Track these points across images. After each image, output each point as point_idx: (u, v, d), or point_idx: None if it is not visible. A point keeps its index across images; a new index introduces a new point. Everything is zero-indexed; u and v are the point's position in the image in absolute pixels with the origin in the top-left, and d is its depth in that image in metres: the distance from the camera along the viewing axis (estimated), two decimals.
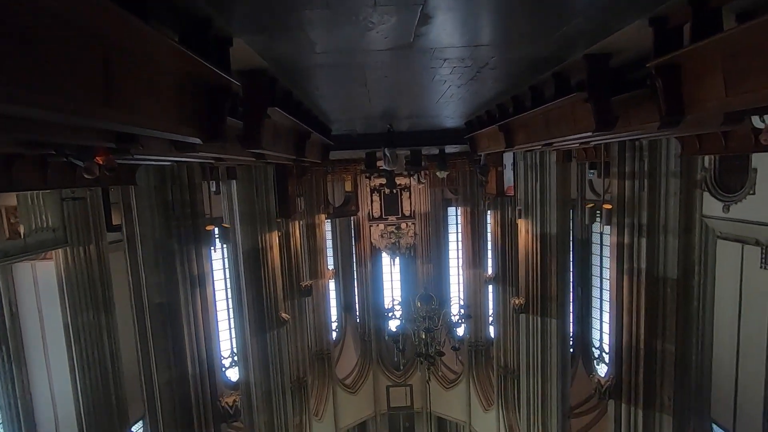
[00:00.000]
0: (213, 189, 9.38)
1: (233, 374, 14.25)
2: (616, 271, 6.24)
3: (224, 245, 11.21)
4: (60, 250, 9.40)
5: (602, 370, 16.22)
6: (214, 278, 14.61)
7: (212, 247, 6.94)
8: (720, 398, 10.19)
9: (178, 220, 5.63)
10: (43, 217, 9.07)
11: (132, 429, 10.42)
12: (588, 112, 3.59)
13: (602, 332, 16.58)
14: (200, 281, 5.92)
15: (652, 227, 5.71)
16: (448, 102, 6.05)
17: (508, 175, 11.53)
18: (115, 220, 6.98)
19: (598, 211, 6.57)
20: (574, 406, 12.70)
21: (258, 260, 9.50)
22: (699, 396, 9.81)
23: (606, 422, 14.03)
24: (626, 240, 6.04)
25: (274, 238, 10.05)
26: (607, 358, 16.09)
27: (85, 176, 2.82)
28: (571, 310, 12.15)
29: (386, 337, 18.29)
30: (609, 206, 6.00)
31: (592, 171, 11.56)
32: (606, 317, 16.08)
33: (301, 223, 13.80)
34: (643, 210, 5.78)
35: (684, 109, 2.51)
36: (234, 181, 9.13)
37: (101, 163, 2.86)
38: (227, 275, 13.43)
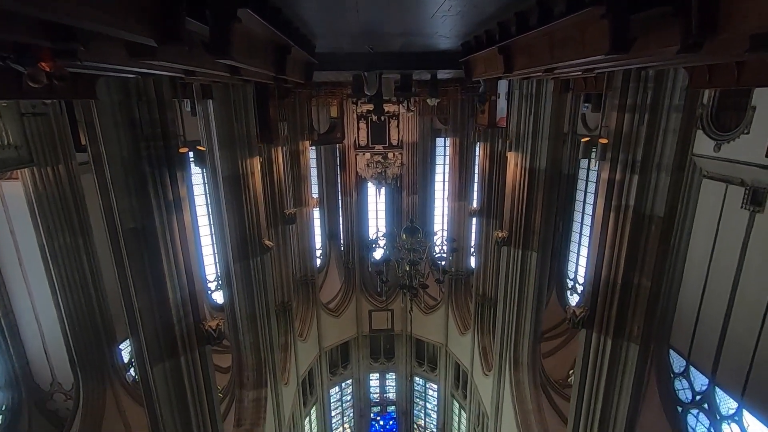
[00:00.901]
0: (188, 109, 8.77)
1: (220, 297, 14.56)
2: (603, 207, 6.18)
3: (203, 170, 10.79)
4: (27, 170, 8.91)
5: (574, 300, 17.14)
6: (196, 202, 14.38)
7: (188, 172, 6.57)
8: (680, 327, 10.93)
9: (148, 141, 5.21)
10: (3, 134, 8.43)
11: (120, 347, 10.79)
12: (600, 32, 3.21)
13: (578, 265, 17.26)
14: (176, 206, 5.65)
15: (646, 164, 5.56)
16: (445, 17, 5.47)
17: (502, 105, 11.06)
18: (84, 140, 6.50)
19: (594, 148, 6.35)
20: (545, 331, 13.51)
21: (239, 186, 9.18)
22: (662, 325, 10.44)
23: (572, 346, 15.12)
24: (618, 176, 5.91)
25: (256, 164, 9.65)
26: (579, 289, 16.92)
27: (30, 84, 2.44)
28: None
29: (369, 269, 18.71)
30: (605, 141, 5.77)
31: (586, 104, 11.13)
32: (583, 251, 16.64)
33: (284, 149, 13.29)
34: (639, 146, 5.58)
35: (717, 26, 2.19)
36: (210, 101, 8.50)
37: (48, 70, 2.49)
38: (209, 200, 13.16)
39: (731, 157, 8.60)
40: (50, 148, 8.95)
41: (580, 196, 16.61)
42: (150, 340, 5.80)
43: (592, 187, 15.81)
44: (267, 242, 10.27)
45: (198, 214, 14.66)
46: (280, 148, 12.45)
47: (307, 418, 17.00)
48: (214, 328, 6.32)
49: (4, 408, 9.94)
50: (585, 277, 16.14)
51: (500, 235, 10.59)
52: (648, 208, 5.72)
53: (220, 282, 14.14)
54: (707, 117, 8.96)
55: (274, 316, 12.12)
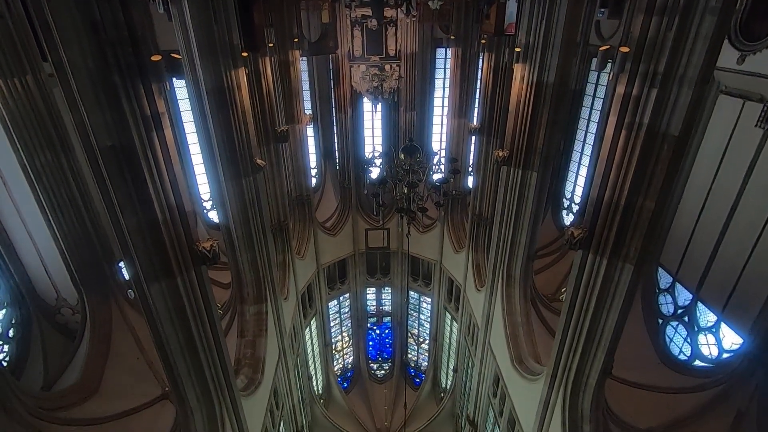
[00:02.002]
0: (161, 11, 7.83)
1: (216, 216, 14.49)
2: (615, 124, 5.78)
3: (185, 82, 10.01)
4: None
5: (568, 219, 17.30)
6: (184, 118, 13.67)
7: (167, 84, 5.99)
8: (672, 245, 11.11)
9: (114, 47, 4.60)
10: None
11: (120, 264, 10.92)
12: None
13: (575, 185, 17.12)
14: (155, 122, 5.21)
15: (668, 76, 5.06)
16: None
17: (511, 9, 10.01)
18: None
19: (610, 59, 5.76)
20: (537, 249, 13.75)
21: (225, 101, 8.56)
22: (655, 245, 10.53)
23: (563, 263, 15.56)
24: (635, 90, 5.43)
25: (242, 76, 8.91)
26: (575, 209, 16.98)
27: None
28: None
29: (365, 191, 18.48)
30: (626, 49, 5.19)
31: (602, 9, 10.10)
32: (582, 170, 16.40)
33: (272, 60, 12.28)
34: (663, 55, 5.03)
35: None
36: (186, 1, 7.54)
37: None
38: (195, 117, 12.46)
39: (755, 70, 7.99)
40: (13, 56, 8.14)
41: (584, 113, 15.93)
42: (143, 260, 5.73)
43: (598, 104, 15.09)
44: (259, 161, 9.90)
45: (188, 131, 14.04)
46: (267, 59, 11.48)
47: (308, 329, 18.05)
48: (208, 249, 6.24)
49: (14, 322, 10.29)
50: (582, 197, 16.12)
51: (500, 154, 10.23)
52: (663, 126, 5.35)
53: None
54: (736, 24, 8.15)
55: (271, 235, 12.17)
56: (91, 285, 10.30)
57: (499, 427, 12.78)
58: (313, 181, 19.01)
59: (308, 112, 17.58)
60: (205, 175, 13.86)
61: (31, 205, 9.45)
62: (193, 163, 14.72)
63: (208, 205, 15.69)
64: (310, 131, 18.20)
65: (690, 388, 9.73)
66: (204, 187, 15.49)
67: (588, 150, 15.79)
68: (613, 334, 6.95)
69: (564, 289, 7.72)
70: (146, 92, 5.05)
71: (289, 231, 14.14)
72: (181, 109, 13.40)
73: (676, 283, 11.03)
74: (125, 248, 5.63)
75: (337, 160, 18.91)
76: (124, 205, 5.30)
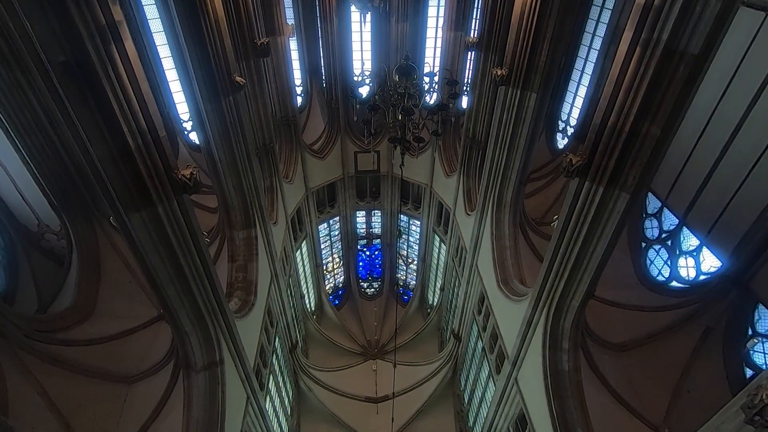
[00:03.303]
0: None
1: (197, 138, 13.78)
2: (630, 40, 5.25)
3: None
4: None
5: (562, 143, 16.94)
6: (152, 28, 12.32)
7: None
8: (664, 170, 11.00)
9: None
10: None
11: None
12: None
13: (573, 106, 16.50)
14: (113, 33, 4.53)
15: None
16: None
17: None
18: None
19: None
20: (529, 172, 13.58)
21: (194, 9, 7.58)
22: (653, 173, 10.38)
23: (553, 188, 15.54)
24: (656, 1, 4.83)
25: None
26: (570, 132, 16.54)
27: None
28: None
29: (355, 117, 17.55)
30: None
31: None
32: (582, 91, 15.69)
33: None
34: None
35: None
36: None
37: None
38: (165, 28, 11.23)
39: None
40: None
41: (590, 26, 14.81)
42: (120, 190, 5.40)
43: (606, 16, 13.97)
44: (238, 79, 9.11)
45: (159, 42, 12.76)
46: None
47: (299, 251, 18.31)
48: (188, 176, 5.88)
49: None
50: (578, 119, 15.61)
51: (499, 72, 9.55)
52: (682, 44, 4.86)
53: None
54: None
55: (256, 159, 11.70)
56: (72, 210, 9.98)
57: (482, 341, 13.63)
58: (299, 100, 17.97)
59: (290, 21, 16.03)
60: (182, 93, 12.93)
61: None
62: (168, 80, 13.65)
63: (188, 126, 14.87)
64: (293, 45, 16.77)
65: (664, 307, 10.27)
66: (182, 107, 14.56)
67: (589, 68, 14.96)
68: (600, 261, 7.05)
69: (555, 217, 7.66)
70: None
71: (275, 154, 13.62)
72: (148, 17, 12.02)
73: (664, 208, 11.12)
74: (98, 178, 5.26)
75: (324, 78, 17.71)
76: (89, 131, 4.82)
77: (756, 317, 8.80)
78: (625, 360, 10.29)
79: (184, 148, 14.69)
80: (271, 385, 13.18)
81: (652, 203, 11.56)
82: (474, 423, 15.32)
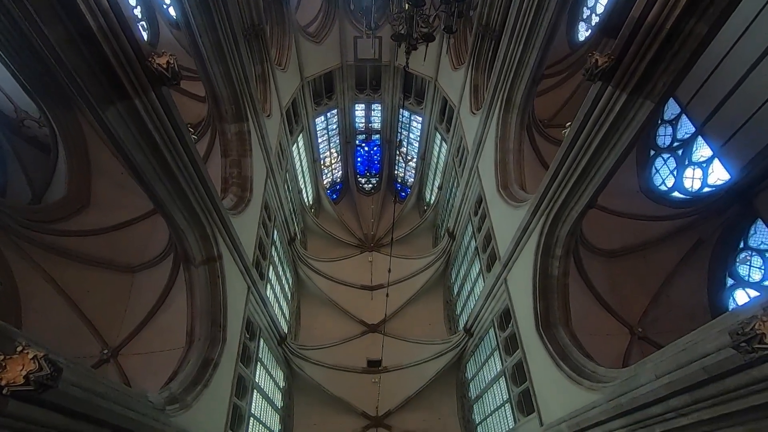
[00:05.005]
0: None
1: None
2: None
3: None
4: None
5: (583, 34, 15.30)
6: None
7: None
8: (690, 75, 10.11)
9: None
10: None
11: None
12: None
13: None
14: None
15: None
16: None
17: None
18: None
19: None
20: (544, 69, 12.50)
21: None
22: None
23: (566, 87, 14.48)
24: None
25: None
26: (594, 20, 14.82)
27: None
28: None
29: (352, 6, 15.37)
30: None
31: None
32: None
33: None
34: None
35: None
36: None
37: None
38: None
39: None
40: None
41: None
42: (88, 80, 4.81)
43: None
44: None
45: None
46: None
47: (295, 145, 17.76)
48: (165, 65, 5.22)
49: None
50: (606, 6, 13.85)
51: None
52: None
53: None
54: None
55: (244, 42, 10.57)
56: (50, 98, 9.26)
57: (475, 241, 13.99)
58: None
59: None
60: None
61: None
62: None
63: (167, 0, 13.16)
64: None
65: (661, 217, 10.29)
66: None
67: None
68: (609, 172, 6.74)
69: (568, 124, 7.11)
70: None
71: (266, 37, 12.30)
72: None
73: (683, 115, 10.46)
74: (61, 65, 4.63)
75: None
76: (40, 8, 4.07)
77: (751, 232, 8.84)
78: (613, 265, 10.64)
79: (165, 27, 13.22)
80: (271, 275, 13.83)
81: (670, 109, 10.84)
82: (461, 312, 16.55)
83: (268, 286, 13.23)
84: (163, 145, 5.96)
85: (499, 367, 11.74)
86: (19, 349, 2.94)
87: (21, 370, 2.88)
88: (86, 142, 10.17)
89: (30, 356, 2.93)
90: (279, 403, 14.26)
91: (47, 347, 3.43)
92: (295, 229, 17.26)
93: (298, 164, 18.73)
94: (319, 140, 20.73)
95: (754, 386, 3.78)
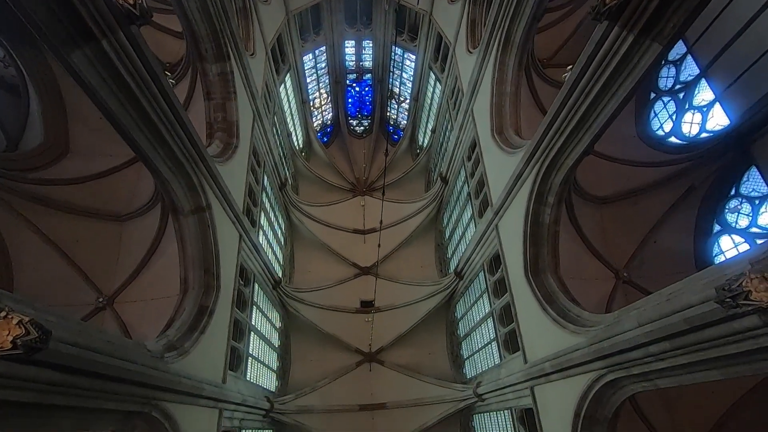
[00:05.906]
0: None
1: None
2: None
3: None
4: None
5: None
6: None
7: None
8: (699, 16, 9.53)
9: None
10: None
11: None
12: None
13: None
14: None
15: None
16: None
17: None
18: None
19: None
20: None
21: None
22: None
23: (567, 24, 13.66)
24: None
25: None
26: None
27: None
28: None
29: None
30: None
31: None
32: None
33: None
34: None
35: None
36: None
37: None
38: None
39: None
40: None
41: None
42: (47, 20, 4.36)
43: None
44: None
45: None
46: None
47: (282, 86, 16.92)
48: (132, 2, 4.72)
49: None
50: None
51: None
52: None
53: None
54: None
55: None
56: (12, 35, 8.53)
57: (468, 186, 13.90)
58: None
59: None
60: None
61: None
62: None
63: None
64: None
65: (655, 163, 10.19)
66: None
67: None
68: (608, 120, 6.52)
69: (570, 66, 6.74)
70: None
71: None
72: None
73: (687, 56, 10.00)
74: (17, 4, 4.16)
75: None
76: None
77: (744, 179, 8.83)
78: (603, 211, 10.71)
79: None
80: (264, 221, 13.79)
81: (676, 48, 10.34)
82: (452, 255, 16.87)
83: (261, 233, 13.22)
84: (138, 91, 5.58)
85: (487, 309, 12.18)
86: (3, 314, 2.88)
87: (7, 335, 2.84)
88: (58, 84, 9.56)
89: (15, 321, 2.87)
90: (276, 342, 14.87)
91: (35, 307, 3.39)
92: (285, 174, 16.97)
93: (286, 106, 17.99)
94: (308, 80, 19.78)
95: (733, 337, 3.91)
